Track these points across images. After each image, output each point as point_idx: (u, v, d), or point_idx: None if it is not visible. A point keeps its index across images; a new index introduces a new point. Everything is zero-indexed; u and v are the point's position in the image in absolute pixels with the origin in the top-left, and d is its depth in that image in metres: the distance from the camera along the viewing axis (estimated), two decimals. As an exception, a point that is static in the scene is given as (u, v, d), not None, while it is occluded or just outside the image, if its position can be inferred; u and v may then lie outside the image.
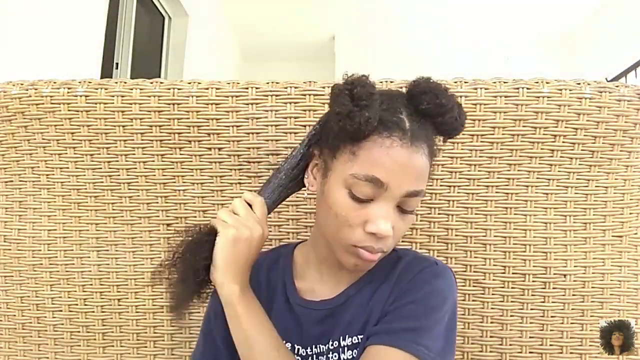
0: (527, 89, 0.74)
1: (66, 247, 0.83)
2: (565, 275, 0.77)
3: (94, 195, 0.82)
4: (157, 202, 0.81)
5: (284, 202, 0.66)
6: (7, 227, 0.84)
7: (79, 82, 0.79)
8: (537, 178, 0.77)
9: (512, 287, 0.78)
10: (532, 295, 0.77)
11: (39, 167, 0.82)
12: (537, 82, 0.75)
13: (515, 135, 0.75)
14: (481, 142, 0.76)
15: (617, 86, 0.75)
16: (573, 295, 0.77)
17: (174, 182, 0.81)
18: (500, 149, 0.76)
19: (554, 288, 0.77)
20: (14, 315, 0.84)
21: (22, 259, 0.83)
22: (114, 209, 0.82)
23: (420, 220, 0.79)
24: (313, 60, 4.86)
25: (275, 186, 0.62)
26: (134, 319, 0.83)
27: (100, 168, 0.81)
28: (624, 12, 3.42)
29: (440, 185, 0.78)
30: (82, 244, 0.83)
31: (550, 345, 0.77)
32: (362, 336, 0.58)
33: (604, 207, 0.77)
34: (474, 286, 0.78)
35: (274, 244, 0.80)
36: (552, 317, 0.77)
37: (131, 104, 0.78)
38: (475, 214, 0.78)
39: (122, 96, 0.78)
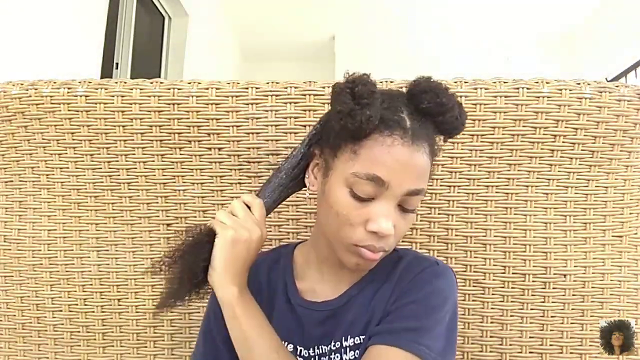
0: (527, 89, 0.74)
1: (66, 247, 0.83)
2: (565, 275, 0.77)
3: (94, 195, 0.82)
4: (157, 202, 0.81)
5: (284, 202, 0.65)
6: (7, 227, 0.84)
7: (79, 82, 0.79)
8: (537, 178, 0.77)
9: (512, 287, 0.78)
10: (532, 295, 0.77)
11: (39, 167, 0.82)
12: (537, 82, 0.75)
13: (515, 135, 0.75)
14: (481, 142, 0.76)
15: (617, 86, 0.75)
16: (573, 295, 0.77)
17: (174, 182, 0.81)
18: (500, 149, 0.76)
19: (554, 288, 0.77)
20: (14, 315, 0.84)
21: (22, 259, 0.83)
22: (114, 209, 0.82)
23: (420, 220, 0.79)
24: (313, 60, 4.86)
25: (276, 185, 0.62)
26: (134, 319, 0.83)
27: (100, 168, 0.81)
28: (624, 12, 3.42)
29: (440, 185, 0.78)
30: (82, 244, 0.83)
31: (550, 345, 0.77)
32: (364, 336, 0.58)
33: (604, 207, 0.77)
34: (474, 286, 0.78)
35: (274, 244, 0.80)
36: (552, 317, 0.77)
37: (131, 104, 0.78)
38: (475, 214, 0.78)
39: (122, 96, 0.78)
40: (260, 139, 0.77)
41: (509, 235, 0.77)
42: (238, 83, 0.78)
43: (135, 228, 0.82)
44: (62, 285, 0.83)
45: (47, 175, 0.82)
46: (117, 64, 2.45)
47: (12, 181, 0.83)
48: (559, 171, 0.76)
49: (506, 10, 3.85)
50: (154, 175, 0.80)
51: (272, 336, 0.55)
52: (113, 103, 0.78)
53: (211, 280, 0.55)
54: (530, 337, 0.78)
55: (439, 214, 0.78)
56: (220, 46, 4.12)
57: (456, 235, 0.78)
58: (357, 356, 0.58)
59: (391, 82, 0.76)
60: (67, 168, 0.81)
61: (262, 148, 0.78)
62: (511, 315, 0.78)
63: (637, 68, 3.33)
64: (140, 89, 0.78)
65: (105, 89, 0.78)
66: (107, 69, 2.28)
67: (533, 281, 0.77)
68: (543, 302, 0.77)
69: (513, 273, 0.77)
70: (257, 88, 0.77)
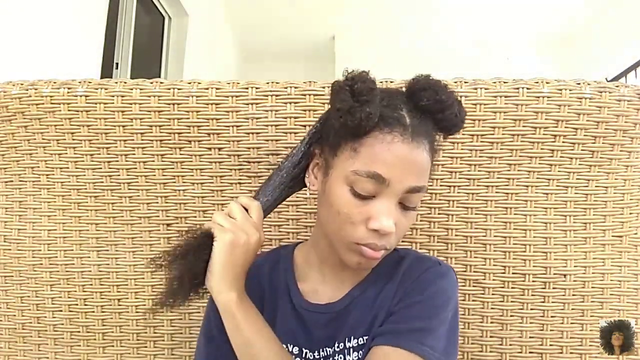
0: (527, 89, 0.74)
1: (66, 247, 0.83)
2: (565, 275, 0.77)
3: (94, 195, 0.82)
4: (157, 202, 0.81)
5: (284, 202, 0.65)
6: (7, 227, 0.84)
7: (79, 82, 0.79)
8: (537, 178, 0.77)
9: (512, 287, 0.78)
10: (532, 295, 0.77)
11: (39, 167, 0.82)
12: (537, 82, 0.75)
13: (515, 135, 0.75)
14: (481, 142, 0.76)
15: (617, 86, 0.75)
16: (573, 295, 0.77)
17: (174, 182, 0.80)
18: (500, 149, 0.76)
19: (554, 288, 0.77)
20: (14, 315, 0.84)
21: (22, 259, 0.83)
22: (114, 209, 0.82)
23: (420, 220, 0.79)
24: (313, 60, 4.86)
25: (277, 184, 0.62)
26: (134, 319, 0.83)
27: (100, 168, 0.81)
28: (624, 12, 3.42)
29: (440, 185, 0.78)
30: (82, 244, 0.83)
31: (550, 345, 0.77)
32: (367, 337, 0.58)
33: (604, 207, 0.77)
34: (474, 286, 0.78)
35: (274, 244, 0.80)
36: (552, 317, 0.77)
37: (131, 104, 0.78)
38: (475, 214, 0.78)
39: (122, 96, 0.78)
40: (260, 139, 0.77)
41: (509, 235, 0.77)
42: (238, 83, 0.78)
43: (135, 228, 0.82)
44: (62, 285, 0.83)
45: (47, 175, 0.82)
46: (117, 64, 2.45)
47: (12, 181, 0.83)
48: (559, 171, 0.76)
49: (506, 10, 3.85)
50: (154, 175, 0.80)
51: (273, 340, 0.55)
52: (113, 103, 0.78)
53: (209, 285, 0.54)
54: (530, 337, 0.78)
55: (439, 214, 0.78)
56: (220, 46, 4.12)
57: (456, 235, 0.78)
58: (360, 357, 0.57)
59: (391, 82, 0.76)
60: (67, 168, 0.81)
61: (262, 148, 0.78)
62: (511, 315, 0.78)
63: (637, 68, 3.34)
64: (140, 89, 0.78)
65: (105, 89, 0.78)
66: (107, 69, 2.28)
67: (533, 281, 0.77)
68: (543, 302, 0.77)
69: (513, 273, 0.77)
70: (257, 88, 0.77)
